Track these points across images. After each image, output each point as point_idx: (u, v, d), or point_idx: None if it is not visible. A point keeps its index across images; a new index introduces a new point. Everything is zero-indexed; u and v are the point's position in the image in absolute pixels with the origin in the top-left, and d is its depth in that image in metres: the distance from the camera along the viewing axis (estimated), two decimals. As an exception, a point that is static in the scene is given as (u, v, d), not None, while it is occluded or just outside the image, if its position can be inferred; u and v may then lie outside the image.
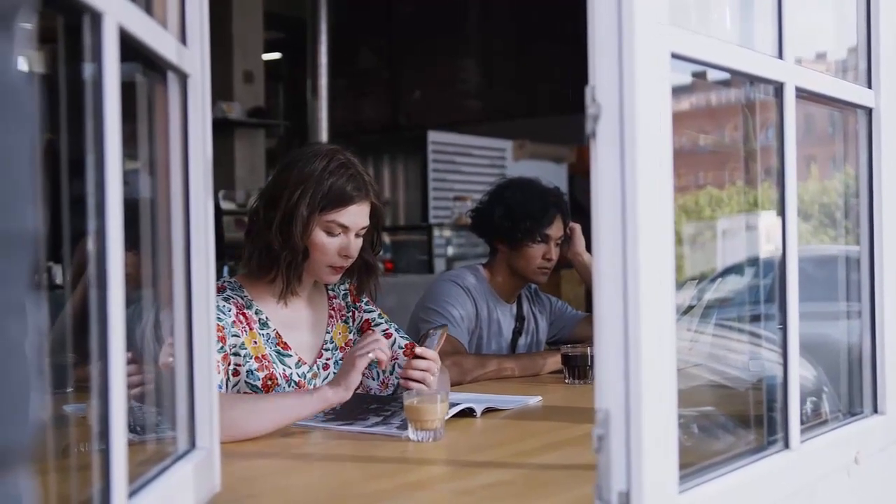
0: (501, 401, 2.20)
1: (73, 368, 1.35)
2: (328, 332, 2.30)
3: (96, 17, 0.96)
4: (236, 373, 2.09)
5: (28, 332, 0.56)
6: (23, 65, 0.58)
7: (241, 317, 2.12)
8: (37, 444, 0.59)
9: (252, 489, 1.53)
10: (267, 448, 1.81)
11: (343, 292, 2.37)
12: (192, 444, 1.33)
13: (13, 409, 0.55)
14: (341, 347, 2.31)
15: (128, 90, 1.05)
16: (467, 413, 2.05)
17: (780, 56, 1.47)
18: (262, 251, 2.15)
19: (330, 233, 2.14)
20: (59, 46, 1.00)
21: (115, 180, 0.98)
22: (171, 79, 1.30)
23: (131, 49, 1.08)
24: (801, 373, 1.51)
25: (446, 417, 1.87)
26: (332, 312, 2.33)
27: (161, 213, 1.32)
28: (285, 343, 2.19)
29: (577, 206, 5.48)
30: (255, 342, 2.14)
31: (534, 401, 2.28)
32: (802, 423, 1.50)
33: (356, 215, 2.15)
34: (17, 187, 0.54)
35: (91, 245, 0.98)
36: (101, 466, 0.97)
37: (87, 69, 0.98)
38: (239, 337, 2.10)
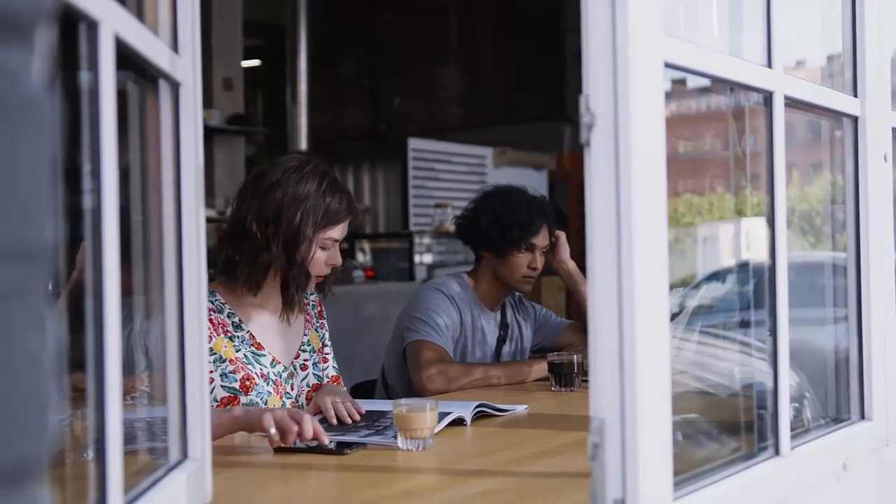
0: (491, 405, 2.20)
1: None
2: (305, 335, 2.36)
3: (92, 26, 0.96)
4: (209, 381, 2.10)
5: (47, 344, 0.56)
6: (41, 76, 0.58)
7: (208, 322, 2.14)
8: (51, 458, 0.59)
9: (243, 499, 1.52)
10: (258, 458, 1.80)
11: (312, 303, 2.44)
12: (185, 455, 1.32)
13: (33, 422, 0.54)
14: (318, 350, 2.38)
15: (119, 98, 1.05)
16: (457, 422, 2.04)
17: (769, 65, 1.48)
18: (260, 269, 2.19)
19: (324, 248, 2.23)
20: (53, 54, 0.99)
21: (111, 189, 0.98)
22: (163, 87, 1.29)
23: (124, 57, 1.07)
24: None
25: (439, 428, 1.87)
26: (308, 317, 2.40)
27: (152, 221, 1.31)
28: (259, 343, 2.23)
29: (558, 213, 5.49)
30: (226, 346, 2.17)
31: (521, 409, 2.28)
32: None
33: (345, 228, 2.26)
34: (38, 199, 0.54)
35: (86, 253, 0.97)
36: (98, 476, 0.97)
37: (83, 77, 0.98)
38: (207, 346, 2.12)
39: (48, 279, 0.57)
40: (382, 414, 2.13)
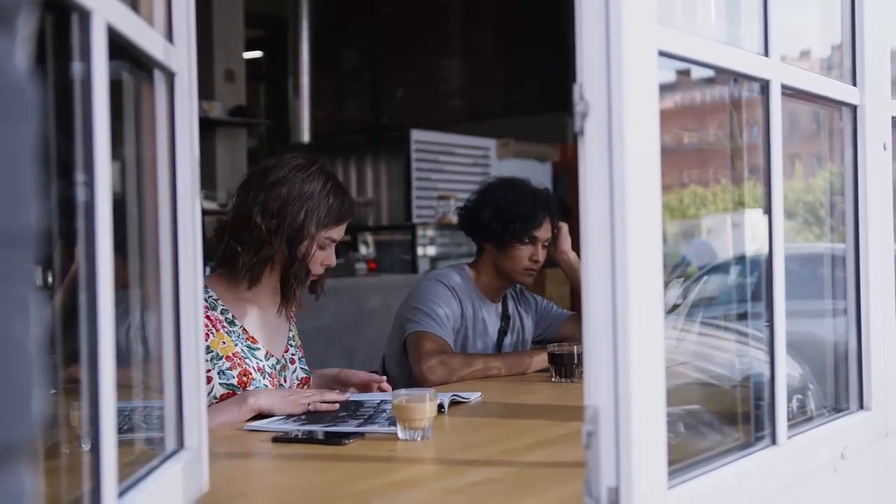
0: (458, 395, 2.24)
1: (58, 370, 1.34)
2: (291, 330, 2.40)
3: (85, 15, 0.96)
4: (208, 380, 2.11)
5: (31, 329, 0.57)
6: (24, 63, 0.58)
7: (205, 320, 2.15)
8: (38, 442, 0.59)
9: (239, 489, 1.52)
10: (254, 448, 1.80)
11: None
12: (181, 444, 1.33)
13: (18, 406, 0.55)
14: (300, 346, 2.42)
15: (113, 89, 1.05)
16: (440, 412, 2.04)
17: (766, 54, 1.47)
18: (262, 262, 2.21)
19: (322, 247, 2.25)
20: (46, 44, 0.99)
21: (104, 180, 0.98)
22: (158, 77, 1.29)
23: (118, 47, 1.07)
24: (786, 370, 1.52)
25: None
26: (291, 314, 2.43)
27: (147, 213, 1.31)
28: (253, 337, 2.26)
29: (562, 205, 5.49)
30: (224, 342, 2.19)
31: (475, 396, 2.30)
32: (789, 419, 1.50)
33: (343, 230, 2.30)
34: (21, 184, 0.54)
35: (80, 246, 0.97)
36: (91, 466, 0.97)
37: (75, 67, 0.98)
38: (204, 341, 2.13)
39: (33, 264, 0.58)
40: (361, 404, 2.13)
